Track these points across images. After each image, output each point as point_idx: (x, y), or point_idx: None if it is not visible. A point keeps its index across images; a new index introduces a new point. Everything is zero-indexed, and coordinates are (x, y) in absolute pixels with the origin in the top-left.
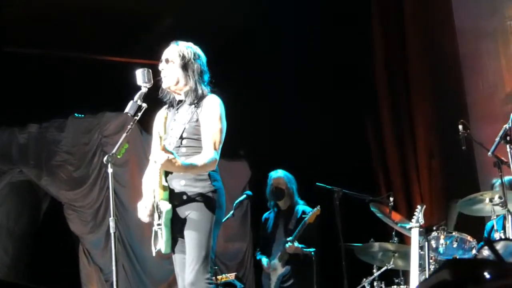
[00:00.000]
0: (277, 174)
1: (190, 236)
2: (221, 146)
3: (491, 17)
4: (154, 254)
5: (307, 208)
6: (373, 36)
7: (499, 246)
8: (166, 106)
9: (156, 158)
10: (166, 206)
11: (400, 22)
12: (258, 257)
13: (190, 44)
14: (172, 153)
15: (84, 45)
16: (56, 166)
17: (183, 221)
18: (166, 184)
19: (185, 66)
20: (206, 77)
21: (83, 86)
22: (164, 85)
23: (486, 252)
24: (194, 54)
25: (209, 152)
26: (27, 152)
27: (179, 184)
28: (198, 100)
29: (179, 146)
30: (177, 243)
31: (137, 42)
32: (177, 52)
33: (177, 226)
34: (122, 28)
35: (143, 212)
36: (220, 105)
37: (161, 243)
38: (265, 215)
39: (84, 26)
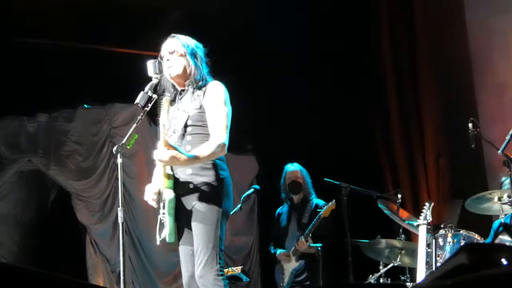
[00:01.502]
0: (294, 167)
1: (197, 228)
2: (228, 130)
3: (502, 15)
4: (158, 243)
5: (320, 201)
6: (381, 34)
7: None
8: (167, 97)
9: (159, 156)
10: (169, 195)
11: (410, 18)
12: (272, 251)
13: (188, 37)
14: (176, 148)
15: (94, 36)
16: (65, 156)
17: (190, 212)
18: (170, 172)
19: (191, 54)
20: (207, 65)
21: (93, 77)
22: (172, 75)
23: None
24: (194, 43)
25: (216, 137)
26: (36, 142)
27: (184, 173)
28: (201, 87)
29: (184, 134)
30: (184, 234)
31: (147, 34)
32: (179, 43)
33: (183, 217)
34: (132, 19)
35: (149, 195)
36: (223, 90)
37: (165, 232)
38: (279, 210)
39: (94, 17)
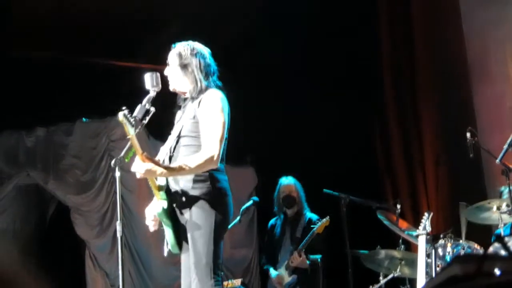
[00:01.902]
0: (288, 181)
1: (191, 242)
2: (222, 140)
3: (499, 24)
4: (165, 254)
5: (314, 216)
6: (380, 43)
7: (510, 242)
8: (121, 112)
9: (135, 169)
10: (157, 209)
11: (408, 27)
12: (265, 267)
13: (190, 42)
14: (153, 160)
15: (92, 49)
16: (63, 170)
17: (185, 225)
18: (162, 183)
19: (183, 64)
20: (210, 70)
21: (91, 90)
22: (170, 88)
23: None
24: (192, 50)
25: (205, 149)
26: (34, 156)
27: (178, 185)
28: (198, 96)
29: (177, 146)
30: (184, 245)
31: (146, 47)
32: (174, 54)
33: (181, 229)
34: (130, 32)
35: (148, 221)
36: (219, 98)
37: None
38: (271, 221)
39: (92, 30)
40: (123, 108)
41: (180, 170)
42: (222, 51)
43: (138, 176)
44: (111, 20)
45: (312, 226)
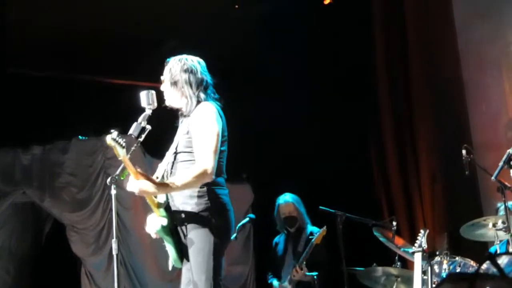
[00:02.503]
0: (285, 200)
1: (191, 259)
2: (216, 151)
3: (494, 41)
4: (170, 268)
5: (315, 229)
6: (376, 62)
7: (501, 261)
8: (109, 135)
9: (129, 188)
10: (157, 226)
11: (404, 45)
12: (269, 281)
13: (183, 56)
14: (148, 178)
15: (88, 67)
16: (59, 188)
17: (186, 241)
18: (161, 201)
19: (173, 81)
20: (203, 84)
21: (87, 108)
22: (167, 104)
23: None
24: (182, 66)
25: (198, 163)
26: (30, 174)
27: (177, 202)
28: (191, 111)
29: (174, 162)
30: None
31: (141, 64)
32: (167, 70)
33: (183, 246)
34: (127, 50)
35: (149, 227)
36: (211, 111)
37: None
38: (276, 239)
39: (89, 49)
40: (111, 131)
41: (174, 185)
42: (219, 68)
43: (136, 193)
44: (107, 38)
45: (310, 237)
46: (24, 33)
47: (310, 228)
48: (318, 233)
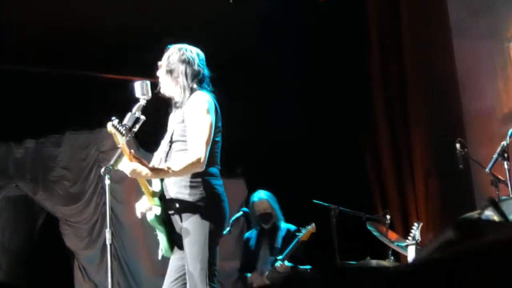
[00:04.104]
0: (260, 197)
1: (186, 249)
2: (209, 141)
3: (489, 39)
4: (159, 258)
5: (291, 226)
6: (370, 59)
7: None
8: (110, 123)
9: (122, 168)
10: (150, 215)
11: (398, 43)
12: (242, 275)
13: (183, 45)
14: (141, 162)
15: (82, 61)
16: (53, 182)
17: (180, 231)
18: (156, 190)
19: (170, 69)
20: (199, 76)
21: (80, 102)
22: (161, 91)
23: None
24: (181, 55)
25: (191, 152)
26: (23, 167)
27: (172, 191)
28: (185, 99)
29: (169, 151)
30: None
31: (136, 59)
32: (165, 56)
33: (177, 236)
34: (120, 45)
35: (139, 207)
36: (205, 100)
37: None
38: (247, 234)
39: (82, 43)
40: (113, 118)
41: (165, 171)
42: (214, 64)
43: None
44: (100, 33)
45: (297, 234)
46: (16, 27)
47: (285, 225)
48: (306, 230)
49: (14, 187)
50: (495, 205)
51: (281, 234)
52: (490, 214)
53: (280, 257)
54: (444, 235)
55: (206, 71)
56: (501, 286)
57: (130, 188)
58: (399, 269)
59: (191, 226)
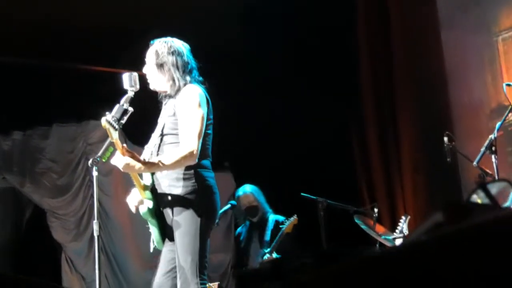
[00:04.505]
0: (245, 191)
1: (177, 241)
2: (201, 134)
3: (476, 33)
4: (151, 250)
5: (280, 217)
6: (359, 52)
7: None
8: (104, 117)
9: (115, 162)
10: (142, 209)
11: (386, 37)
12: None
13: (168, 38)
14: (134, 156)
15: (69, 53)
16: (40, 174)
17: (172, 224)
18: (147, 183)
19: (159, 63)
20: (188, 67)
21: (68, 94)
22: (150, 87)
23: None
24: (169, 48)
25: (183, 145)
26: (11, 159)
27: (163, 184)
28: (176, 93)
29: (160, 144)
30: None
31: (124, 52)
32: (151, 52)
33: (168, 229)
34: (108, 38)
35: (130, 200)
36: (197, 93)
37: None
38: (238, 230)
39: (69, 35)
40: (106, 113)
41: (158, 165)
42: (200, 56)
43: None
44: (88, 25)
45: (281, 226)
46: (2, 19)
47: (275, 217)
48: (289, 222)
49: (1, 179)
50: (484, 189)
51: (270, 226)
52: (475, 197)
53: (267, 250)
54: (432, 218)
55: (193, 62)
56: (489, 266)
57: (117, 181)
58: (389, 251)
59: (182, 218)
